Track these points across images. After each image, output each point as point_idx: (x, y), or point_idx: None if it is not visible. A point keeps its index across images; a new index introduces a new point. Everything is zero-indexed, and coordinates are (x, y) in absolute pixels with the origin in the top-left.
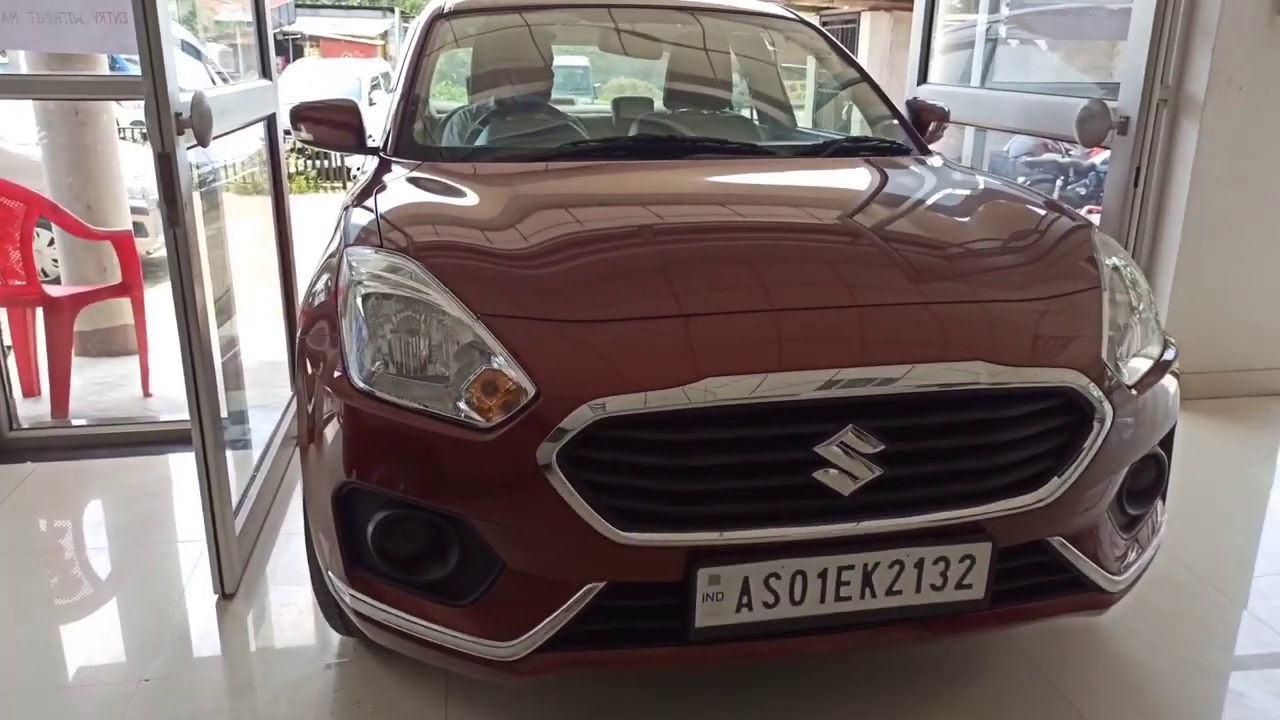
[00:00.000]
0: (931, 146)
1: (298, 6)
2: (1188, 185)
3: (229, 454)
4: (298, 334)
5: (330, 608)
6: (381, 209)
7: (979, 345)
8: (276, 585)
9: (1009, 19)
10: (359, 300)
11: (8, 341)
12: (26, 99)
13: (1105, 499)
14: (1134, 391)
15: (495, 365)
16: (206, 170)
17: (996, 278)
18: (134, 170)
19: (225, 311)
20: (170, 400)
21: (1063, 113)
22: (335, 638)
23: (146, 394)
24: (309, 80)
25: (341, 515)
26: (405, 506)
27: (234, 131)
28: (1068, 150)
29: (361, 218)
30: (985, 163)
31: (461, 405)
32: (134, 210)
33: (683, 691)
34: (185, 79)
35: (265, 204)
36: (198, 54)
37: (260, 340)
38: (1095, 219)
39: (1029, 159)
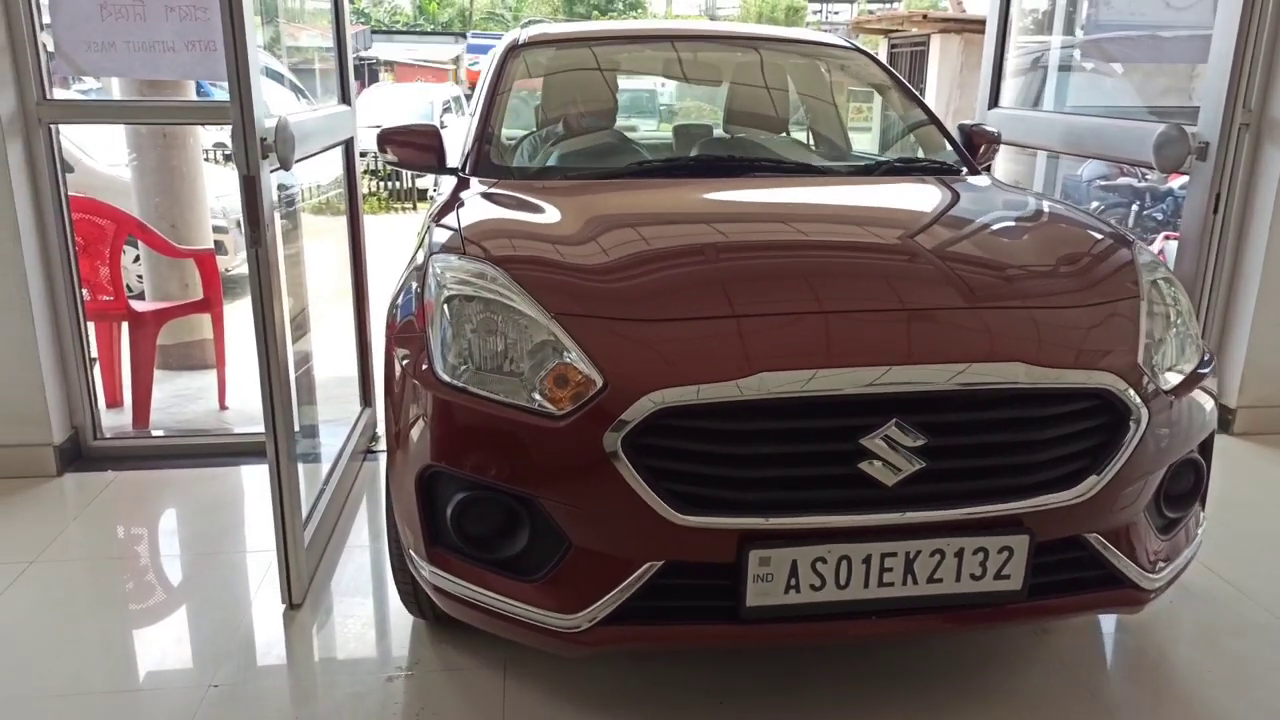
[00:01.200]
0: (998, 170)
1: (373, 32)
2: (1270, 212)
3: (300, 467)
4: (385, 339)
5: (407, 592)
6: (463, 222)
7: (1019, 347)
8: (342, 597)
9: (1084, 43)
10: (444, 303)
11: (94, 354)
12: (122, 124)
13: (1142, 499)
14: (1170, 397)
15: (567, 360)
16: (289, 192)
17: (1038, 285)
18: (215, 190)
19: (300, 328)
20: (245, 413)
21: (1140, 138)
22: (398, 651)
23: (223, 407)
24: (383, 105)
25: (424, 497)
26: (482, 488)
27: (315, 155)
28: (1144, 175)
29: (444, 230)
30: (1058, 187)
31: (536, 396)
32: (215, 229)
33: (724, 682)
34: (271, 103)
35: (341, 224)
36: (280, 78)
37: (333, 357)
38: (1173, 246)
39: (1103, 183)
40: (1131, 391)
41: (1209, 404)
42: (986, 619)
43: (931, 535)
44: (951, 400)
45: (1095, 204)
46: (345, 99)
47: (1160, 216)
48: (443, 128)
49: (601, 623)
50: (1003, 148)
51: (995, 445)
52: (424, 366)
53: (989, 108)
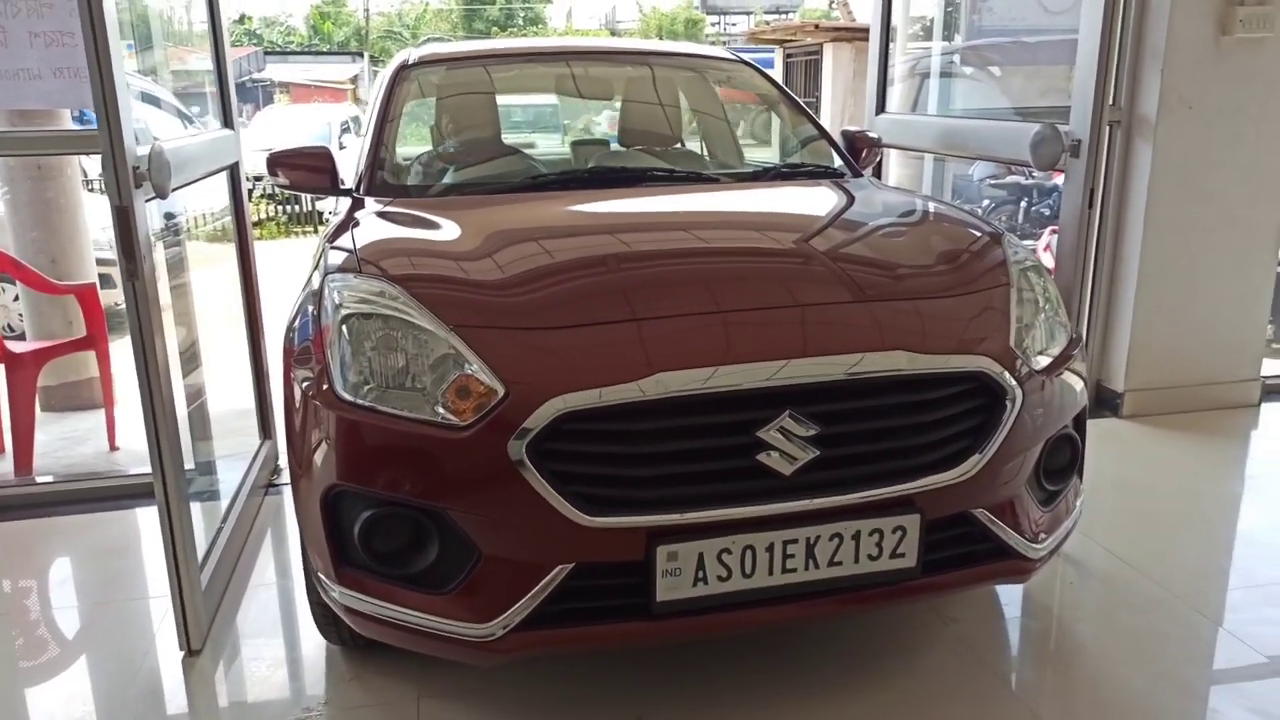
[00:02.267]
0: (891, 174)
1: (267, 54)
2: (1144, 204)
3: (196, 506)
4: (283, 365)
5: (324, 619)
6: (357, 240)
7: (900, 335)
8: (245, 639)
9: (965, 49)
10: (341, 322)
11: None
12: None
13: (1022, 474)
14: (1041, 377)
15: (468, 371)
16: (174, 221)
17: (917, 279)
18: (100, 222)
19: (192, 361)
20: (137, 454)
21: (1017, 138)
22: (306, 691)
23: (113, 448)
24: (279, 127)
25: (330, 517)
26: (389, 504)
27: (195, 182)
28: (1030, 173)
29: (339, 251)
30: (948, 187)
31: (439, 409)
32: (101, 262)
33: (634, 693)
34: (154, 129)
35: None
36: (162, 104)
37: (229, 389)
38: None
39: (993, 182)
40: (1006, 373)
41: (1079, 383)
42: (886, 597)
43: (830, 520)
44: (840, 390)
45: (986, 201)
46: (228, 123)
47: (1047, 211)
48: (341, 148)
49: (515, 629)
50: (894, 152)
51: (884, 430)
52: (324, 387)
53: (875, 113)
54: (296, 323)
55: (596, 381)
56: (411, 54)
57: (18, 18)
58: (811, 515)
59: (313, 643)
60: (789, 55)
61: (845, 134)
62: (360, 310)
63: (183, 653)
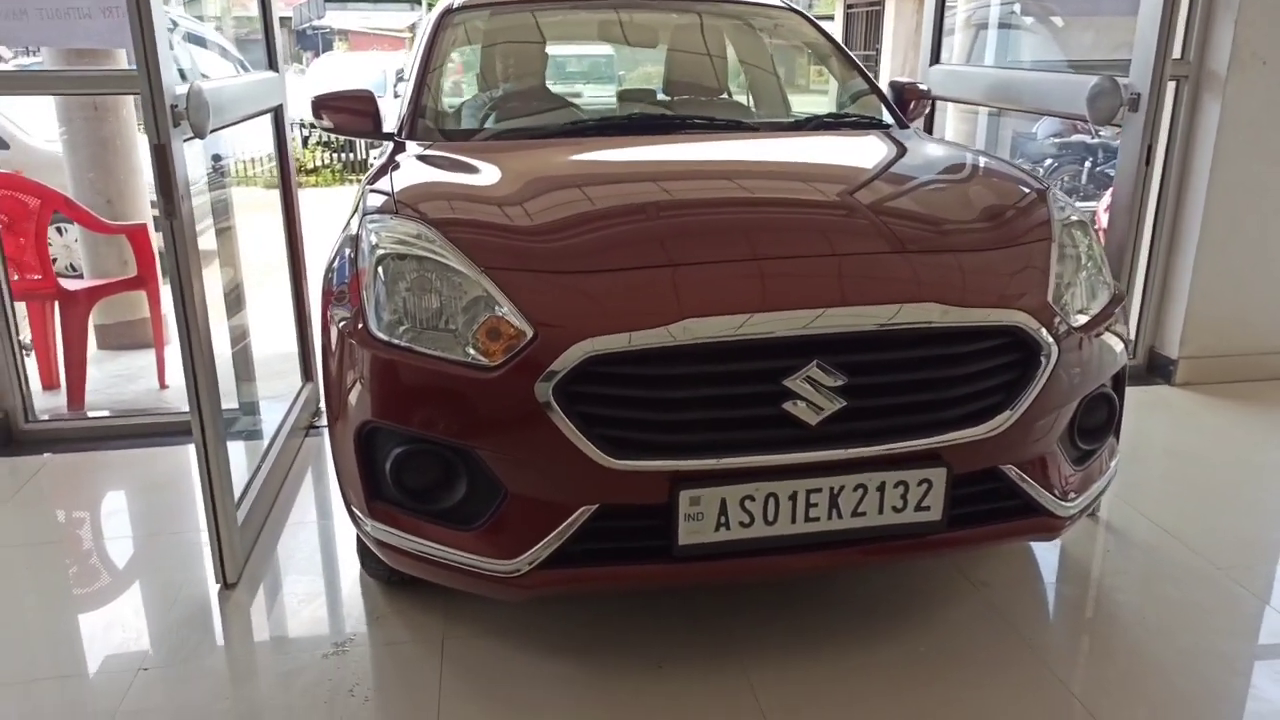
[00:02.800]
0: (948, 129)
1: (327, 1)
2: (1209, 164)
3: (239, 444)
4: (321, 305)
5: (365, 551)
6: (396, 183)
7: (934, 288)
8: (280, 574)
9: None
10: (377, 262)
11: (25, 336)
12: (33, 94)
13: (1054, 432)
14: (1079, 335)
15: (498, 313)
16: (221, 163)
17: (955, 231)
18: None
19: (237, 303)
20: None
21: (1075, 90)
22: (335, 627)
23: (163, 386)
24: (335, 74)
25: (363, 453)
26: (419, 441)
27: (237, 123)
28: (1097, 131)
29: (377, 194)
30: (1006, 144)
31: (469, 350)
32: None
33: (655, 631)
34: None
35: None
36: (224, 51)
37: (273, 332)
38: None
39: (1057, 140)
40: (1042, 329)
41: (1118, 343)
42: (910, 550)
43: (854, 471)
44: (870, 341)
45: (1049, 160)
46: (273, 65)
47: (1111, 172)
48: (396, 97)
49: (539, 566)
50: (950, 107)
51: (913, 383)
52: (359, 326)
53: (929, 64)
54: (335, 264)
55: (625, 326)
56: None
57: None
58: (836, 465)
59: (346, 579)
60: (850, 6)
61: (894, 85)
62: (396, 251)
63: (219, 585)
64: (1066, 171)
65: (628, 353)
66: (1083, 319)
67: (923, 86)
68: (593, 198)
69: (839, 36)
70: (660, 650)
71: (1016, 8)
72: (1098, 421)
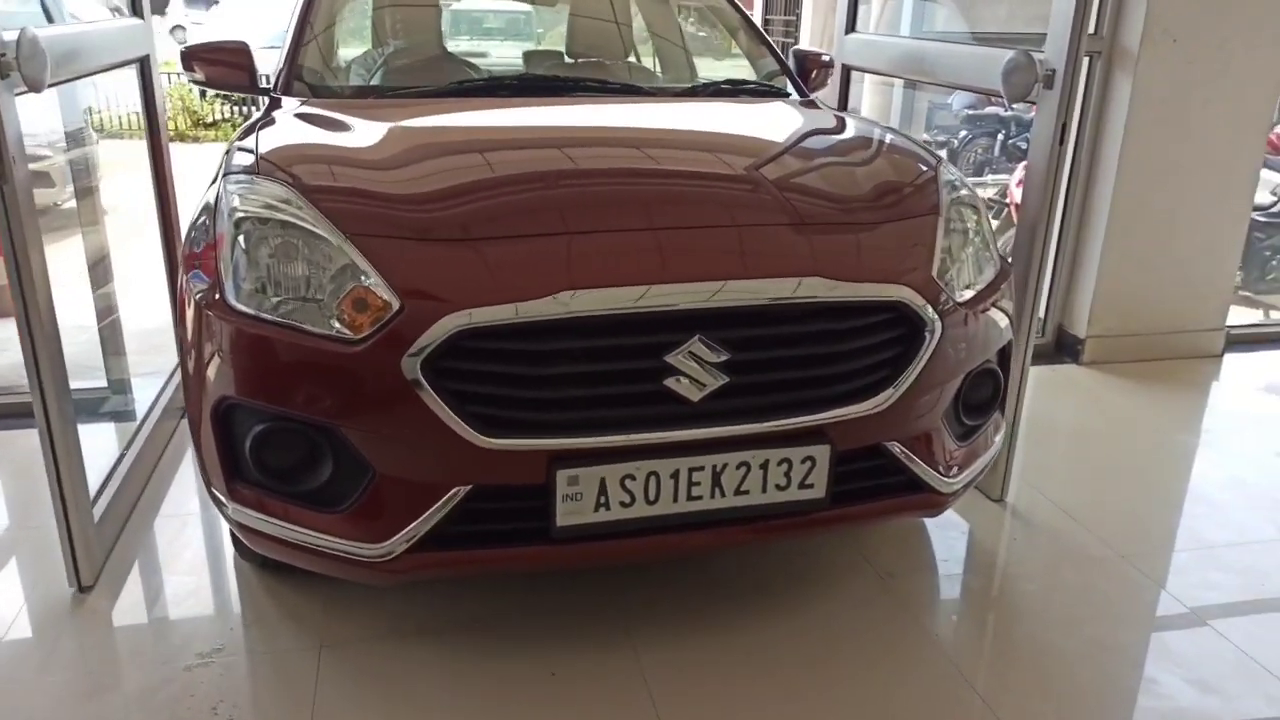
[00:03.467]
0: (864, 102)
1: None
2: (1120, 141)
3: (111, 426)
4: (180, 270)
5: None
6: (262, 143)
7: (819, 262)
8: (146, 574)
9: None
10: (236, 225)
11: None
12: None
13: (938, 408)
14: (964, 310)
15: (364, 283)
16: (77, 126)
17: (840, 203)
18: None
19: (103, 272)
20: None
21: (989, 65)
22: (203, 634)
23: None
24: (243, 21)
25: (221, 431)
26: (281, 419)
27: (91, 74)
28: (1010, 105)
29: (243, 153)
30: (922, 117)
31: (334, 322)
32: (37, 158)
33: (544, 649)
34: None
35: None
36: None
37: (148, 305)
38: None
39: (971, 112)
40: (927, 305)
41: (1003, 318)
42: (794, 529)
43: (737, 448)
44: (753, 316)
45: (963, 133)
46: (137, 11)
47: (1024, 146)
48: None
49: (411, 550)
50: (867, 78)
51: (797, 359)
52: (216, 295)
53: (845, 33)
54: (195, 224)
55: (497, 298)
56: None
57: None
58: (719, 443)
59: (220, 578)
60: None
61: (797, 54)
62: (257, 215)
63: (73, 588)
64: (980, 145)
65: (498, 326)
66: (968, 294)
67: (826, 56)
68: (467, 163)
69: (760, 1)
70: (551, 643)
71: None
72: (983, 397)
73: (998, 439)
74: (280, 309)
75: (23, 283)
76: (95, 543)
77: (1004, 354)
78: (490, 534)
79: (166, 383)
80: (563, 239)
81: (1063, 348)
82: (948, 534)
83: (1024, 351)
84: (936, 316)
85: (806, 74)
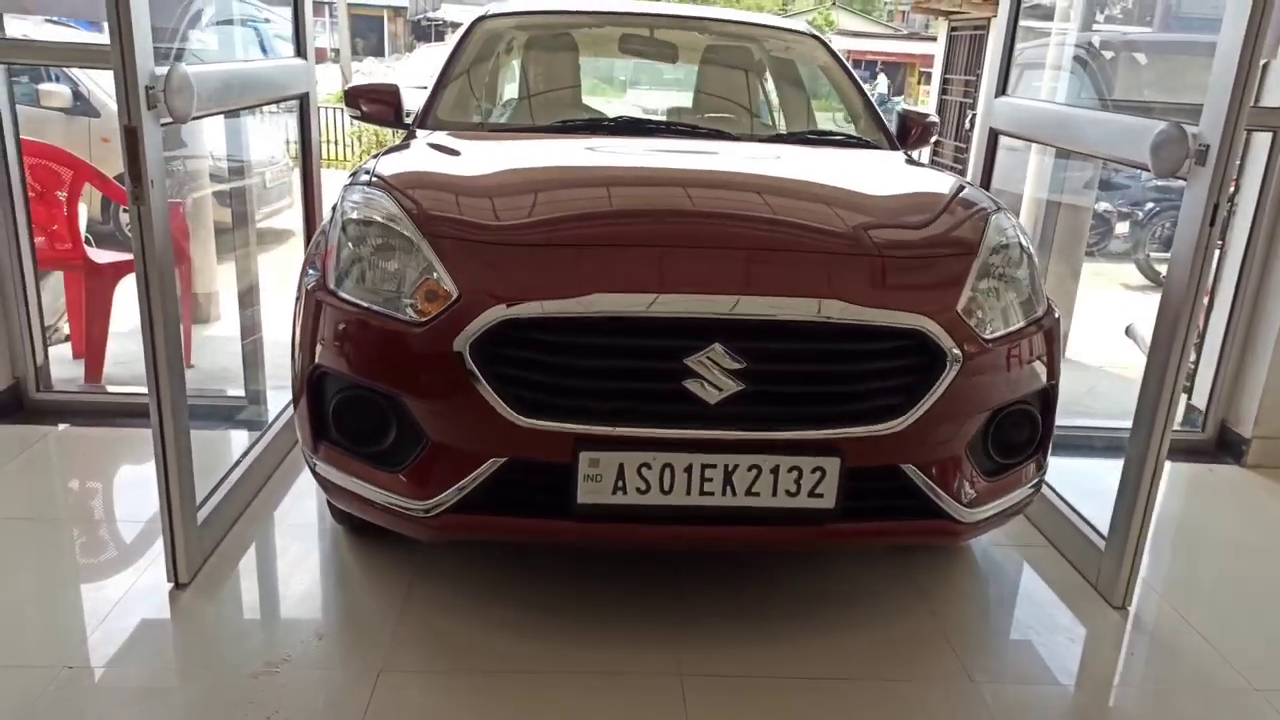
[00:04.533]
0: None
1: None
2: None
3: (240, 433)
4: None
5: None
6: (380, 161)
7: (837, 287)
8: (240, 577)
9: (1105, 40)
10: (343, 228)
11: (49, 315)
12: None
13: (960, 439)
14: (990, 346)
15: (433, 277)
16: (239, 158)
17: (878, 237)
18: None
19: (251, 300)
20: (208, 372)
21: (1138, 135)
22: (276, 642)
23: (188, 364)
24: (426, 65)
25: (312, 396)
26: (358, 388)
27: (245, 109)
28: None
29: (364, 171)
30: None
31: (407, 308)
32: (215, 177)
33: (588, 681)
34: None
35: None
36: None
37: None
38: None
39: (1159, 182)
40: (945, 335)
41: (1040, 360)
42: (804, 537)
43: (749, 452)
44: (770, 329)
45: (1150, 204)
46: (300, 52)
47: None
48: None
49: (449, 510)
50: (1009, 142)
51: (811, 375)
52: (321, 281)
53: (995, 95)
54: (320, 232)
55: (539, 295)
56: (490, 7)
57: None
58: (731, 445)
59: (302, 591)
60: (954, 28)
61: (901, 113)
62: (362, 219)
63: (170, 584)
64: (1167, 218)
65: (537, 319)
66: (996, 333)
67: (926, 114)
68: (538, 181)
69: (940, 59)
70: (602, 696)
71: (1095, 40)
72: (1017, 438)
73: (1035, 482)
74: (369, 295)
75: (150, 294)
76: (196, 542)
77: (1047, 399)
78: (519, 504)
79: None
80: (592, 250)
81: (1225, 446)
82: (1056, 638)
83: (1159, 445)
84: (957, 350)
85: (907, 131)
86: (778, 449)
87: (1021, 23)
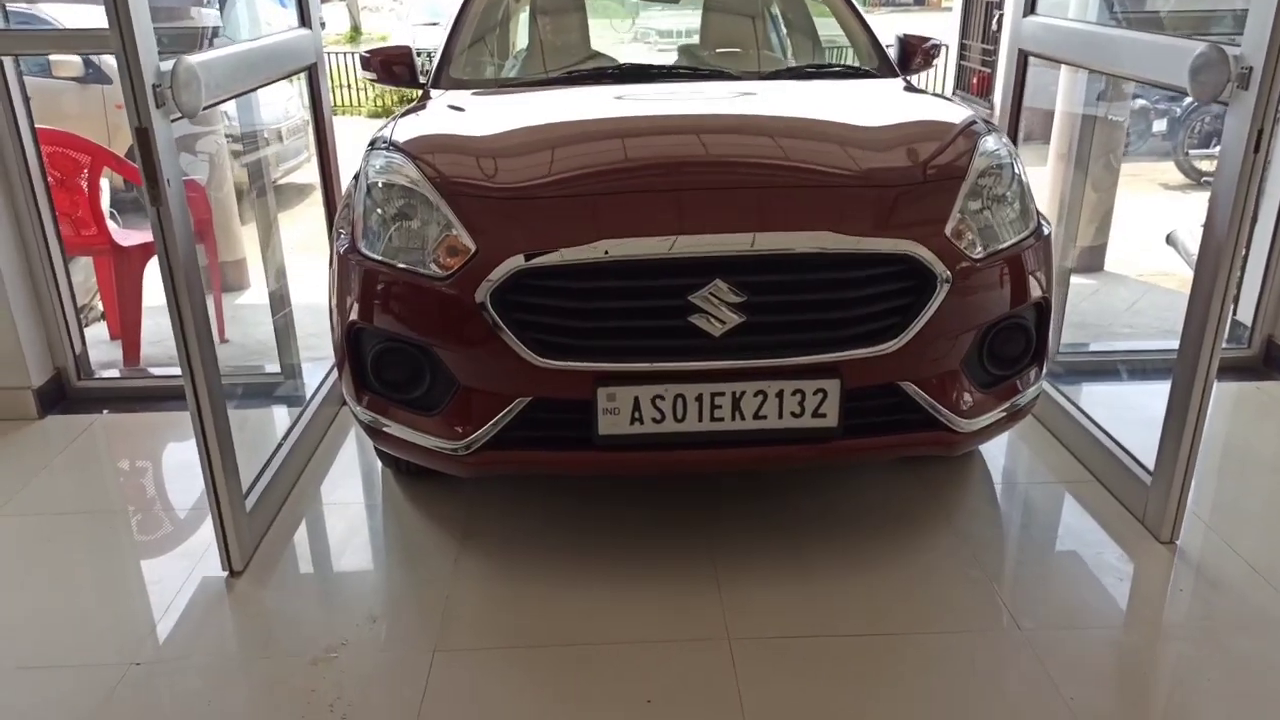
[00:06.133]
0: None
1: None
2: None
3: (280, 410)
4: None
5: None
6: (398, 124)
7: (828, 219)
8: (293, 561)
9: None
10: (368, 191)
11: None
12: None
13: (954, 354)
14: (979, 265)
15: (452, 233)
16: (253, 130)
17: (869, 166)
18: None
19: (278, 273)
20: (242, 346)
21: (1176, 57)
22: (333, 627)
23: (223, 339)
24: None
25: (352, 349)
26: (394, 340)
27: (254, 89)
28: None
29: (382, 134)
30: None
31: (432, 264)
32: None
33: (634, 651)
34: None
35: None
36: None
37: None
38: None
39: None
40: (934, 258)
41: (1031, 276)
42: (810, 454)
43: (754, 379)
44: (767, 263)
45: (1188, 99)
46: (305, 22)
47: None
48: None
49: (483, 448)
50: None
51: (809, 303)
52: (351, 243)
53: (1024, 14)
54: (346, 195)
55: (551, 244)
56: None
57: None
58: (737, 373)
59: (354, 572)
60: None
61: (900, 38)
62: (380, 180)
63: (225, 574)
64: (1205, 113)
65: (551, 267)
66: (985, 253)
67: (929, 39)
68: (547, 135)
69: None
70: (650, 667)
71: None
72: (1012, 350)
73: (1031, 391)
74: (396, 255)
75: (177, 294)
76: (246, 531)
77: (1041, 311)
78: (546, 439)
79: (327, 374)
80: (599, 198)
81: (1272, 362)
82: (1104, 578)
83: (1207, 366)
84: (947, 271)
85: (910, 56)
86: (780, 374)
87: None
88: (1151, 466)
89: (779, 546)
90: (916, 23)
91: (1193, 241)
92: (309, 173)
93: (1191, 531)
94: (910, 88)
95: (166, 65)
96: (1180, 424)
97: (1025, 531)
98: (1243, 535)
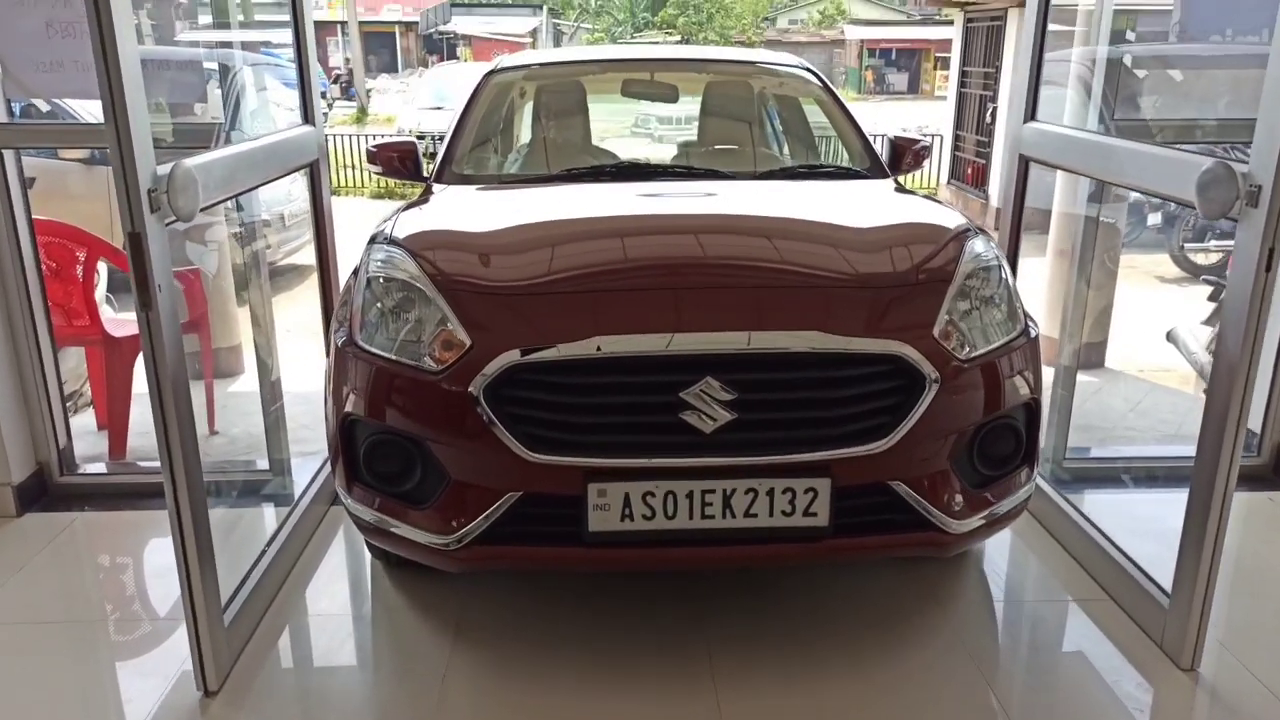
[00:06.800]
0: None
1: (453, 5)
2: None
3: (268, 509)
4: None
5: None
6: (399, 219)
7: (818, 319)
8: (271, 679)
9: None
10: (367, 284)
11: (74, 381)
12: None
13: (944, 455)
14: (968, 366)
15: (448, 327)
16: (249, 222)
17: (858, 269)
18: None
19: (269, 362)
20: (232, 440)
21: (1183, 172)
22: None
23: (212, 431)
24: (443, 85)
25: (345, 440)
26: (386, 433)
27: (254, 189)
28: (1208, 220)
29: (384, 229)
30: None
31: (426, 358)
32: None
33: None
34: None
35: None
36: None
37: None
38: None
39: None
40: (922, 359)
41: (1020, 376)
42: (801, 552)
43: (745, 476)
44: (757, 361)
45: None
46: (308, 118)
47: None
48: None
49: (473, 542)
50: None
51: (799, 402)
52: (348, 335)
53: (1024, 120)
54: (345, 289)
55: (544, 341)
56: (500, 61)
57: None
58: (728, 470)
59: (337, 687)
60: (970, 20)
61: (892, 140)
62: (382, 274)
63: (200, 693)
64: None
65: (544, 363)
66: (973, 354)
67: (922, 141)
68: (541, 232)
69: (958, 50)
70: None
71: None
72: (1002, 450)
73: (1022, 493)
74: (392, 348)
75: (164, 409)
76: (225, 647)
77: (1031, 413)
78: (535, 534)
79: (318, 471)
80: (593, 295)
81: None
82: (1121, 708)
83: (1225, 480)
84: (935, 372)
85: (900, 157)
86: (771, 472)
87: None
88: (1167, 586)
89: (778, 649)
90: (911, 111)
91: (1193, 340)
92: (309, 254)
93: (1207, 653)
94: (900, 188)
95: (164, 169)
96: (1198, 546)
97: (1037, 653)
98: (1260, 657)
